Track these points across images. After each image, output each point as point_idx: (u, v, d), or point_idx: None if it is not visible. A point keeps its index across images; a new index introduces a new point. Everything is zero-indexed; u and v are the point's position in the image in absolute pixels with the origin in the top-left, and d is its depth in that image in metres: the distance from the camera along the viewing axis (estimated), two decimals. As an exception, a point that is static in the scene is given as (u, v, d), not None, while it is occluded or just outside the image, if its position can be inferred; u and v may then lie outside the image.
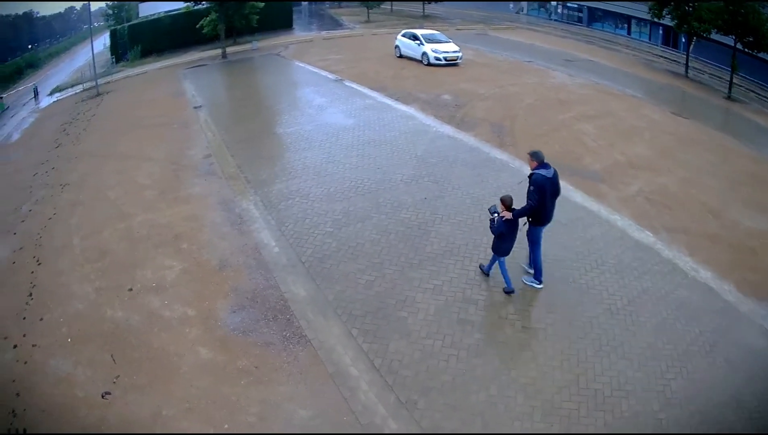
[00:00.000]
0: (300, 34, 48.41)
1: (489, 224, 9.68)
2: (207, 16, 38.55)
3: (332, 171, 16.07)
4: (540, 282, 10.22)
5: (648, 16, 40.84)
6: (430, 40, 31.34)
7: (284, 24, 49.91)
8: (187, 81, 31.75)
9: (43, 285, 11.85)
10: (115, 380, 9.08)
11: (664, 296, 10.28)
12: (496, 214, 9.41)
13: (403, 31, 33.65)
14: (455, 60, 30.22)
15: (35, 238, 14.33)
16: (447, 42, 31.45)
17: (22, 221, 15.66)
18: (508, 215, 9.28)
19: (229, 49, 38.99)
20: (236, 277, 11.61)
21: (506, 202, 9.37)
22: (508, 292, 10.07)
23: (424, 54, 30.28)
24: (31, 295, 11.40)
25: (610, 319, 9.62)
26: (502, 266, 9.94)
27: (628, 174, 15.49)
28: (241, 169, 16.77)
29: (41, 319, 10.50)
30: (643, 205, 13.71)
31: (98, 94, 33.17)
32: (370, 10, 56.59)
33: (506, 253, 9.76)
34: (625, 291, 10.34)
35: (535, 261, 10.12)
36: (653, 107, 23.53)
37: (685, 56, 36.98)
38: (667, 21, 35.61)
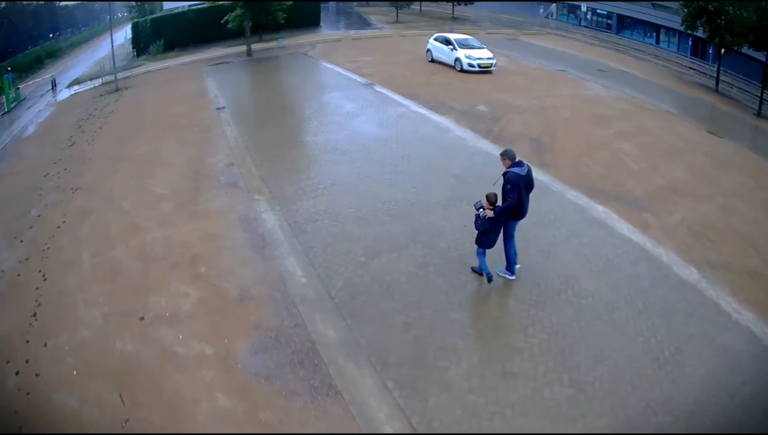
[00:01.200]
0: (327, 32, 47.28)
1: (474, 220, 9.87)
2: (232, 12, 37.38)
3: (364, 189, 14.83)
4: (512, 273, 10.45)
5: (677, 26, 40.69)
6: (464, 45, 30.10)
7: (311, 22, 48.73)
8: (210, 79, 30.75)
9: (48, 304, 10.99)
10: (124, 424, 8.03)
11: (709, 342, 9.41)
12: (481, 210, 9.65)
13: (435, 35, 32.45)
14: (489, 67, 29.05)
15: (42, 249, 13.41)
16: (481, 48, 30.16)
17: (30, 227, 14.75)
18: (490, 214, 9.55)
19: (254, 47, 37.98)
20: (259, 312, 10.38)
21: (490, 199, 9.65)
22: (481, 272, 10.48)
23: (457, 60, 29.08)
24: (35, 315, 10.62)
25: (657, 372, 8.69)
26: (481, 256, 10.23)
27: (670, 201, 14.53)
28: (265, 181, 15.59)
29: (45, 345, 9.71)
30: (686, 238, 12.79)
31: (117, 90, 32.21)
32: (399, 11, 55.38)
33: (490, 245, 10.04)
34: (673, 338, 9.42)
35: (507, 253, 10.28)
36: (688, 125, 22.32)
37: (712, 68, 36.15)
38: (699, 33, 34.84)
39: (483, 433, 7.48)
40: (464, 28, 45.97)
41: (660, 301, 10.24)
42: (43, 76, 44.67)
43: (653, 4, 49.70)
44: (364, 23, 53.28)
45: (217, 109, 23.85)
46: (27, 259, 12.78)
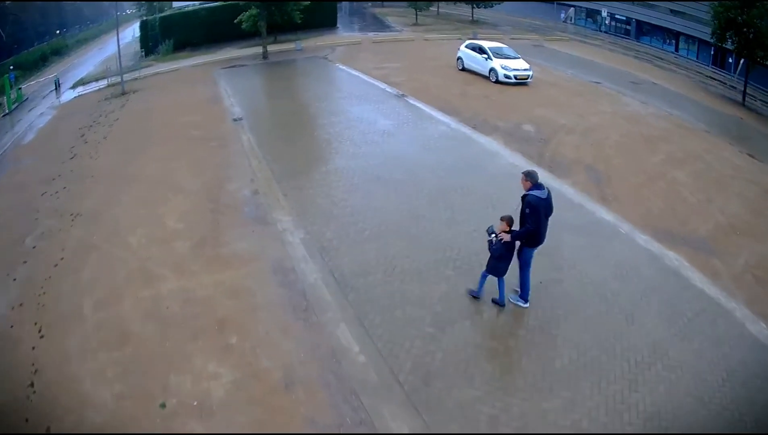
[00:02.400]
0: (345, 34, 45.12)
1: (487, 245, 9.31)
2: (246, 11, 35.23)
3: (418, 231, 12.60)
4: (526, 301, 9.87)
5: (697, 34, 41.36)
6: (499, 54, 27.93)
7: (328, 23, 46.60)
8: (224, 83, 28.55)
9: (47, 373, 9.03)
10: None
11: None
12: (494, 236, 9.14)
13: (467, 42, 30.31)
14: (526, 79, 26.99)
15: (38, 293, 11.35)
16: (516, 58, 28.00)
17: (24, 262, 12.71)
18: (507, 238, 9.03)
19: (270, 48, 35.79)
20: (311, 402, 8.19)
21: (507, 222, 9.12)
22: (498, 303, 9.89)
23: (493, 70, 27.12)
24: (32, 385, 8.77)
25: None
26: (483, 280, 9.78)
27: (732, 241, 13.34)
28: (300, 217, 13.37)
29: (48, 430, 7.86)
30: (753, 286, 11.59)
31: (124, 93, 29.94)
32: (418, 12, 53.12)
33: (502, 273, 9.51)
34: (755, 409, 8.26)
35: (523, 282, 9.71)
36: (730, 147, 20.87)
37: (733, 78, 36.34)
38: (728, 45, 34.10)
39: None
40: (487, 33, 44.43)
41: (741, 368, 9.15)
42: (47, 76, 42.47)
43: (672, 11, 48.60)
44: (382, 25, 50.90)
45: (234, 120, 21.66)
46: (21, 304, 11.00)
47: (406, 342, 9.25)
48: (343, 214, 13.48)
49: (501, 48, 28.82)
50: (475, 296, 10.00)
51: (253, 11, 34.99)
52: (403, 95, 24.10)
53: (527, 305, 9.86)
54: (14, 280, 11.90)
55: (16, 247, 13.38)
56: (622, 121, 21.99)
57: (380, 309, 10.02)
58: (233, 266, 11.58)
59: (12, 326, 10.33)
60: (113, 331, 9.90)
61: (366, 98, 23.87)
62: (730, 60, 40.68)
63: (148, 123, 22.97)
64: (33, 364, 9.15)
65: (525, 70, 27.14)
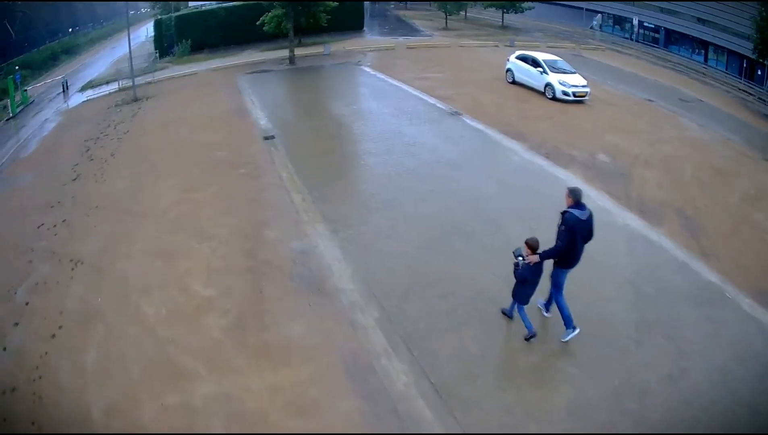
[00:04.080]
0: (373, 38, 42.22)
1: (513, 269, 8.53)
2: (269, 11, 32.46)
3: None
4: (574, 328, 8.79)
5: (726, 44, 41.27)
6: (555, 68, 25.04)
7: (354, 25, 43.54)
8: (249, 92, 25.63)
9: None
10: None
11: None
12: (520, 258, 8.45)
13: (518, 53, 27.31)
14: (584, 96, 24.16)
15: (33, 377, 8.71)
16: (573, 72, 25.17)
17: (16, 324, 10.16)
18: (535, 259, 8.35)
19: (295, 52, 32.70)
20: None
21: (532, 245, 8.41)
22: (530, 337, 8.72)
23: (549, 86, 24.33)
24: None
25: None
26: (521, 312, 8.79)
27: None
28: (369, 285, 10.34)
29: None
30: None
31: (135, 100, 27.03)
32: (450, 17, 50.45)
33: (526, 300, 8.75)
34: None
35: (561, 308, 8.83)
36: None
37: (766, 91, 35.02)
38: (763, 59, 33.64)
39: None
40: (522, 39, 41.85)
41: None
42: (55, 77, 39.62)
43: (700, 20, 47.15)
44: (410, 29, 47.87)
45: (266, 139, 18.72)
46: (14, 389, 8.51)
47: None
48: (426, 283, 10.41)
49: (555, 61, 25.84)
50: (530, 337, 8.88)
51: (278, 11, 32.16)
52: (457, 113, 21.14)
53: (578, 331, 8.85)
54: (4, 349, 9.51)
55: (7, 300, 10.92)
56: (690, 150, 19.70)
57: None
58: (290, 363, 8.56)
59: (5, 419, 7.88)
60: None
61: (417, 116, 20.82)
62: (760, 72, 39.91)
63: (163, 139, 20.00)
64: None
65: (583, 87, 24.28)
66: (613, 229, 12.81)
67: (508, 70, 27.08)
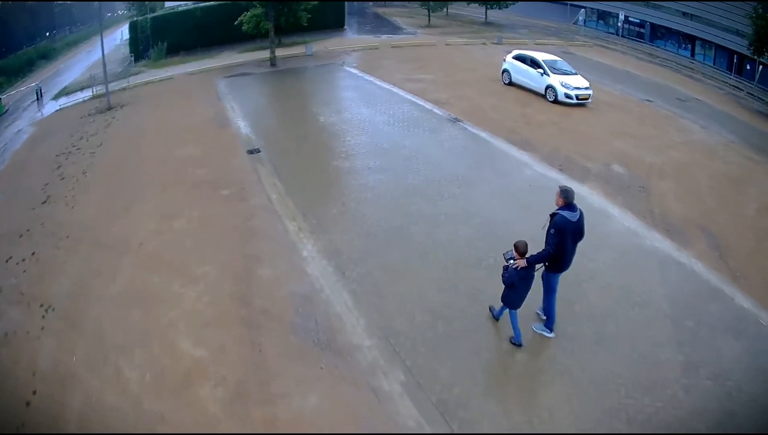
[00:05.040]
0: (354, 36, 40.58)
1: (501, 272, 8.29)
2: (247, 10, 30.71)
3: (582, 374, 8.31)
4: (551, 330, 8.89)
5: (713, 38, 41.24)
6: (555, 69, 23.74)
7: (335, 24, 42.07)
8: (229, 98, 24.03)
9: None
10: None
11: None
12: (511, 261, 8.18)
13: (515, 53, 25.90)
14: (587, 99, 22.96)
15: None
16: (574, 74, 23.93)
17: None
18: (522, 263, 8.09)
19: (276, 53, 31.01)
20: None
21: (520, 249, 8.16)
22: (516, 344, 8.62)
23: (550, 88, 23.10)
24: None
25: None
26: (513, 318, 8.59)
27: None
28: (388, 338, 9.01)
29: None
30: None
31: (109, 108, 25.25)
32: (432, 13, 49.08)
33: (516, 305, 8.50)
34: None
35: (548, 308, 8.84)
36: None
37: (755, 86, 35.43)
38: (758, 56, 33.65)
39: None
40: (508, 36, 41.21)
41: None
42: (31, 83, 37.79)
43: (686, 14, 46.69)
44: (393, 27, 46.27)
45: (250, 152, 17.24)
46: None
47: None
48: (454, 334, 9.09)
49: (555, 61, 24.56)
50: (516, 344, 8.75)
51: (257, 11, 30.45)
52: (457, 120, 19.79)
53: (552, 335, 8.89)
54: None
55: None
56: (699, 157, 18.83)
57: None
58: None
59: None
60: None
61: (415, 124, 19.34)
62: (748, 67, 39.48)
63: (138, 154, 18.32)
64: None
65: (586, 88, 23.09)
66: (644, 254, 11.86)
67: (505, 70, 25.76)
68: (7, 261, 12.54)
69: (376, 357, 8.63)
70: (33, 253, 12.76)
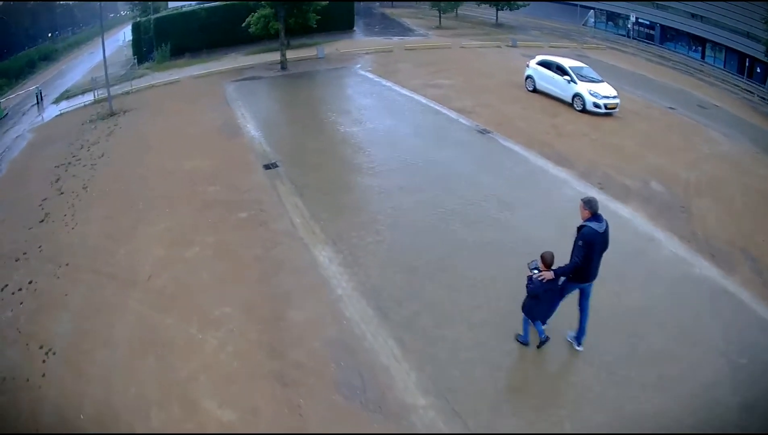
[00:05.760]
0: (364, 38, 39.29)
1: (526, 282, 8.05)
2: (255, 12, 29.54)
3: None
4: (579, 344, 8.62)
5: (724, 41, 41.02)
6: (583, 76, 22.37)
7: (344, 25, 40.81)
8: (239, 104, 22.73)
9: None
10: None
11: None
12: (535, 271, 7.97)
13: (539, 58, 24.59)
14: (614, 109, 21.61)
15: None
16: (600, 81, 22.59)
17: None
18: (549, 275, 7.88)
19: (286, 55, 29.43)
20: None
21: (546, 260, 7.98)
22: (522, 342, 8.56)
23: (578, 96, 21.75)
24: None
25: None
26: (525, 323, 8.47)
27: None
28: (444, 396, 7.83)
29: None
30: None
31: (112, 114, 24.09)
32: (442, 15, 47.73)
33: (537, 317, 8.26)
34: None
35: (582, 319, 8.49)
36: None
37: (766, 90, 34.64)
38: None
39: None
40: (522, 38, 40.04)
41: None
42: (28, 89, 37.01)
43: (694, 16, 46.06)
44: (403, 28, 44.97)
45: (266, 167, 15.89)
46: None
47: None
48: (516, 388, 8.03)
49: (581, 68, 23.22)
50: (522, 342, 8.59)
51: (265, 11, 29.19)
52: (486, 130, 18.51)
53: (580, 349, 8.56)
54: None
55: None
56: (730, 170, 17.64)
57: None
58: None
59: None
60: None
61: (443, 135, 18.10)
62: (759, 69, 39.49)
63: (142, 167, 17.00)
64: None
65: (614, 97, 21.76)
66: (693, 283, 10.98)
67: (529, 77, 24.44)
68: (2, 289, 11.39)
69: (434, 419, 7.43)
70: (30, 282, 11.55)
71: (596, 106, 21.29)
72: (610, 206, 13.48)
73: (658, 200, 14.56)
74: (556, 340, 8.63)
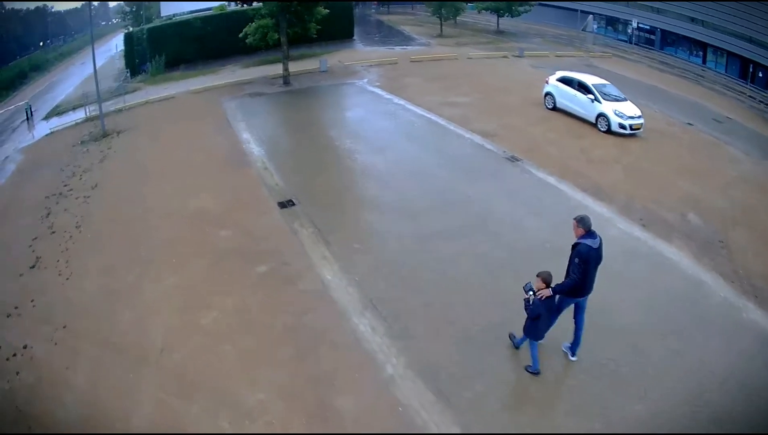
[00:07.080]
0: (365, 48, 37.98)
1: (524, 305, 8.13)
2: (252, 21, 28.05)
3: None
4: (574, 354, 8.94)
5: (725, 45, 40.34)
6: (606, 95, 21.21)
7: (343, 34, 39.60)
8: (242, 126, 21.33)
9: None
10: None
11: None
12: (531, 293, 8.06)
13: (559, 74, 23.46)
14: (639, 129, 20.56)
15: None
16: (624, 99, 21.44)
17: None
18: (548, 293, 8.06)
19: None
20: None
21: (545, 279, 8.11)
22: (533, 372, 8.43)
23: (602, 116, 20.70)
24: None
25: None
26: (533, 348, 8.46)
27: None
28: None
29: None
30: None
31: (105, 135, 22.67)
32: (444, 22, 46.64)
33: (539, 336, 8.35)
34: None
35: (577, 330, 8.76)
36: None
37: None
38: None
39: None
40: (526, 46, 39.49)
41: None
42: (18, 103, 35.48)
43: (702, 22, 45.21)
44: (403, 37, 43.74)
45: (282, 205, 14.48)
46: None
47: None
48: None
49: (604, 85, 22.07)
50: (532, 373, 8.43)
51: (263, 22, 27.72)
52: (515, 158, 17.32)
53: (575, 359, 8.83)
54: None
55: None
56: (757, 195, 16.85)
57: None
58: None
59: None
60: None
61: (471, 165, 16.87)
62: (761, 74, 38.92)
63: (141, 204, 15.46)
64: None
65: (639, 117, 20.68)
66: (744, 332, 10.11)
67: (548, 94, 23.39)
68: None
69: None
70: (25, 347, 10.17)
71: (621, 127, 20.26)
72: (657, 249, 12.61)
73: (698, 235, 13.62)
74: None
